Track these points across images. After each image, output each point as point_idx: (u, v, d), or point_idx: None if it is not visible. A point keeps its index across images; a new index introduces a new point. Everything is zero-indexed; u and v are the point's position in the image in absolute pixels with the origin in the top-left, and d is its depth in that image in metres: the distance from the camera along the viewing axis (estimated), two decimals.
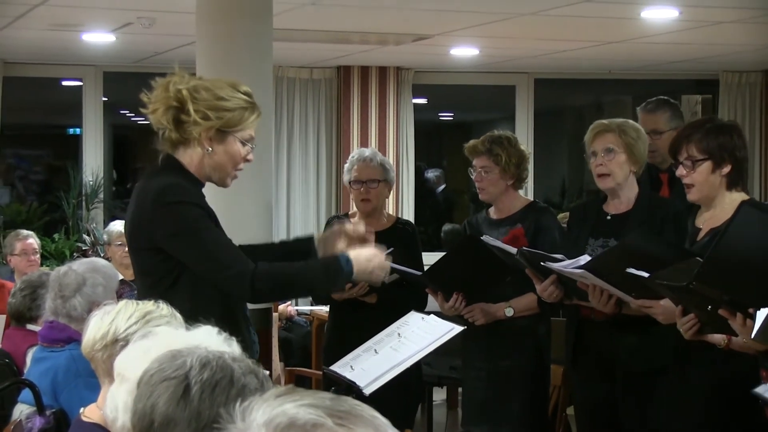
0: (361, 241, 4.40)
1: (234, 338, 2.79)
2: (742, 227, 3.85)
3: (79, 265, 4.86)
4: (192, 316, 3.01)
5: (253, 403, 1.65)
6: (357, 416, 1.62)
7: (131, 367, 2.76)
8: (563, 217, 6.46)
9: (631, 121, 5.35)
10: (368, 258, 4.12)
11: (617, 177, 5.19)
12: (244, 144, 4.11)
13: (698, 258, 4.05)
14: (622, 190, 5.23)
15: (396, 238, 5.93)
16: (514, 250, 5.17)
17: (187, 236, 4.00)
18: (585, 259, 4.79)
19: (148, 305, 3.42)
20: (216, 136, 4.04)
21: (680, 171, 4.64)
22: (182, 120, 4.02)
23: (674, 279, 4.10)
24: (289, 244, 4.55)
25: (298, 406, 1.62)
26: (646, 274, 4.24)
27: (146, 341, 2.83)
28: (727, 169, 4.59)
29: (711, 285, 3.92)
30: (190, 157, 4.08)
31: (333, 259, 4.14)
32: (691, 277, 3.91)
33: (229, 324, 3.90)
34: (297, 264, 4.19)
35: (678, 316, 4.30)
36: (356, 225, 4.52)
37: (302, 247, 4.48)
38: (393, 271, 5.68)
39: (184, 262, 4.04)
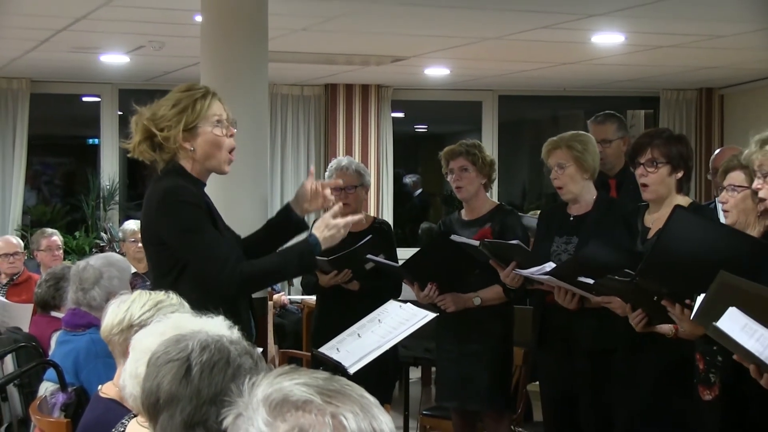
0: (324, 193, 4.33)
1: (235, 325, 2.79)
2: (676, 229, 3.87)
3: (96, 260, 4.85)
4: (198, 305, 3.00)
5: (258, 379, 1.65)
6: (345, 395, 1.61)
7: (141, 339, 2.76)
8: (534, 214, 6.49)
9: (581, 134, 5.35)
10: (331, 233, 4.08)
11: (570, 187, 5.22)
12: (215, 126, 4.02)
13: (629, 271, 4.07)
14: (580, 195, 5.25)
15: (373, 235, 5.93)
16: (476, 242, 5.20)
17: (187, 237, 3.97)
18: (550, 266, 4.83)
19: (160, 295, 3.42)
20: (189, 136, 3.98)
21: (641, 171, 4.68)
22: (158, 142, 4.00)
23: (614, 289, 4.14)
24: (273, 222, 4.49)
25: (294, 384, 1.61)
26: (591, 281, 4.30)
27: (160, 326, 2.82)
28: (680, 174, 4.66)
29: (652, 280, 3.93)
30: (185, 162, 4.07)
31: (304, 245, 4.08)
32: (635, 274, 3.93)
33: (231, 311, 3.89)
34: (276, 259, 4.14)
35: (628, 312, 4.32)
36: (317, 184, 4.38)
37: (284, 218, 4.40)
38: (371, 261, 5.72)
39: (183, 259, 4.03)
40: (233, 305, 4.03)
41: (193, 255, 3.99)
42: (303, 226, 4.42)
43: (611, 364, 4.97)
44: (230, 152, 4.08)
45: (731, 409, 3.81)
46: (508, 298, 5.58)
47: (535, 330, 5.41)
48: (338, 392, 1.61)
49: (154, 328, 2.82)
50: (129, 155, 4.09)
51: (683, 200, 4.72)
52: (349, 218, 4.14)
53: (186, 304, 3.35)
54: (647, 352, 4.59)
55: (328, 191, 4.35)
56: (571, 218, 5.31)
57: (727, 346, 3.34)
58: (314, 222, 6.28)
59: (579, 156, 5.19)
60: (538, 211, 7.28)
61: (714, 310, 3.43)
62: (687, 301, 3.81)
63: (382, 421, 1.61)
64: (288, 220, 4.37)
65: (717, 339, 3.34)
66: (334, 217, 4.12)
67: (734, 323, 3.24)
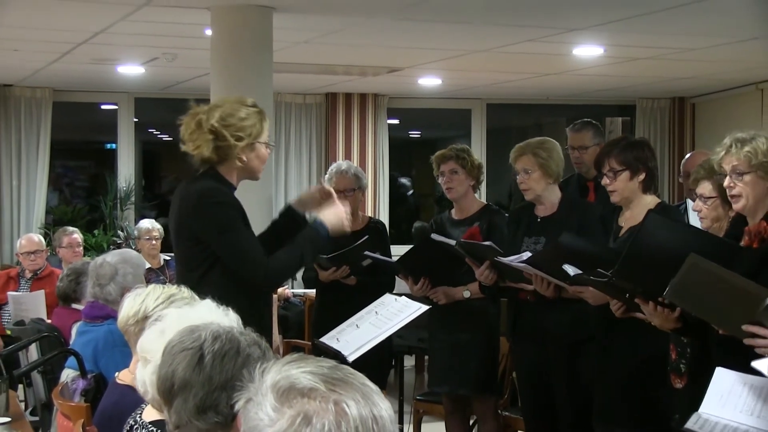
0: (328, 195, 4.41)
1: (230, 309, 2.81)
2: (649, 232, 3.87)
3: (112, 257, 4.84)
4: (221, 299, 2.99)
5: (269, 366, 1.66)
6: (348, 383, 1.61)
7: (151, 350, 2.76)
8: None
9: (547, 141, 5.32)
10: (333, 214, 4.14)
11: (536, 190, 5.23)
12: (266, 146, 4.12)
13: (602, 271, 4.06)
14: (545, 197, 5.25)
15: (369, 234, 5.93)
16: (453, 242, 5.20)
17: (225, 236, 3.99)
18: (527, 255, 4.82)
19: (172, 289, 3.43)
20: (248, 149, 4.05)
21: (605, 180, 4.68)
22: (220, 146, 4.02)
23: (597, 276, 4.14)
24: (279, 222, 4.52)
25: (300, 372, 1.62)
26: (573, 272, 4.29)
27: (160, 324, 2.84)
28: (642, 176, 4.64)
29: (627, 280, 3.94)
30: (226, 169, 4.08)
31: (311, 230, 4.14)
32: (612, 274, 3.94)
33: (252, 306, 3.92)
34: (292, 248, 4.14)
35: (610, 300, 4.32)
36: (320, 186, 4.52)
37: (289, 217, 4.47)
38: (368, 258, 5.72)
39: (218, 254, 4.03)
40: (256, 299, 4.06)
41: (230, 252, 4.00)
42: (306, 223, 4.44)
43: (582, 354, 4.98)
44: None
45: (699, 396, 3.81)
46: (483, 294, 5.57)
47: (509, 323, 5.41)
48: (341, 380, 1.61)
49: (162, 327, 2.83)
50: (184, 148, 4.08)
51: (651, 200, 4.70)
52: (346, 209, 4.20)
53: (197, 297, 3.35)
54: (618, 345, 4.62)
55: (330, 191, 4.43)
56: (539, 219, 5.31)
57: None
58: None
59: (543, 163, 5.20)
60: None
61: (684, 290, 3.45)
62: (660, 299, 3.81)
63: (381, 408, 1.61)
64: (293, 219, 4.43)
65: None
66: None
67: (715, 398, 3.24)
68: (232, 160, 4.04)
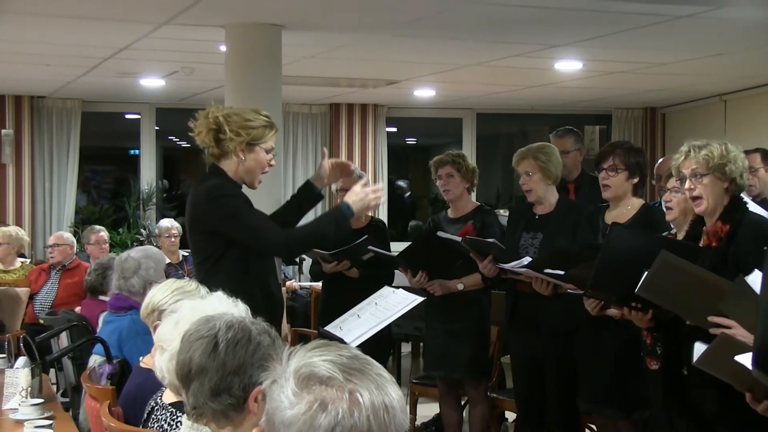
0: (342, 168, 4.45)
1: (239, 300, 2.82)
2: (615, 244, 3.84)
3: (136, 252, 4.84)
4: (232, 289, 2.98)
5: (296, 350, 1.65)
6: (364, 373, 1.61)
7: (167, 339, 2.76)
8: (505, 212, 6.49)
9: (547, 146, 5.33)
10: (360, 197, 4.07)
11: (537, 191, 5.22)
12: (267, 153, 4.09)
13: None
14: (544, 197, 5.25)
15: (371, 232, 5.93)
16: (459, 239, 5.20)
17: (235, 218, 3.97)
18: (527, 260, 4.83)
19: (180, 282, 3.45)
20: (246, 148, 4.02)
21: (603, 175, 4.73)
22: (220, 138, 4.01)
23: (583, 277, 4.12)
24: (297, 196, 4.49)
25: (321, 360, 1.61)
26: (561, 272, 4.29)
27: (175, 315, 2.84)
28: (635, 180, 4.72)
29: (601, 291, 3.94)
30: (228, 166, 4.07)
31: (337, 210, 4.09)
32: (587, 287, 3.94)
33: (263, 296, 3.90)
34: (315, 223, 4.14)
35: (585, 300, 4.32)
36: (332, 161, 4.49)
37: (307, 192, 4.44)
38: (371, 252, 5.72)
39: (236, 239, 3.99)
40: (266, 285, 4.04)
41: (246, 232, 3.97)
42: (321, 198, 4.49)
43: (572, 342, 4.98)
44: (263, 173, 4.14)
45: (673, 375, 3.81)
46: (486, 284, 5.58)
47: (507, 313, 5.41)
48: (358, 371, 1.61)
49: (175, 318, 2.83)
50: (191, 134, 4.09)
51: (637, 201, 4.80)
52: (378, 185, 4.16)
53: (202, 289, 3.36)
54: (605, 333, 4.63)
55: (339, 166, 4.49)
56: (537, 217, 5.31)
57: (718, 372, 3.25)
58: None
59: (543, 166, 5.19)
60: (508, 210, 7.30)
61: (655, 285, 3.43)
62: (633, 303, 3.79)
63: (393, 398, 1.61)
64: (311, 193, 4.43)
65: (707, 368, 3.25)
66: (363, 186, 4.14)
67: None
68: (230, 155, 4.03)
